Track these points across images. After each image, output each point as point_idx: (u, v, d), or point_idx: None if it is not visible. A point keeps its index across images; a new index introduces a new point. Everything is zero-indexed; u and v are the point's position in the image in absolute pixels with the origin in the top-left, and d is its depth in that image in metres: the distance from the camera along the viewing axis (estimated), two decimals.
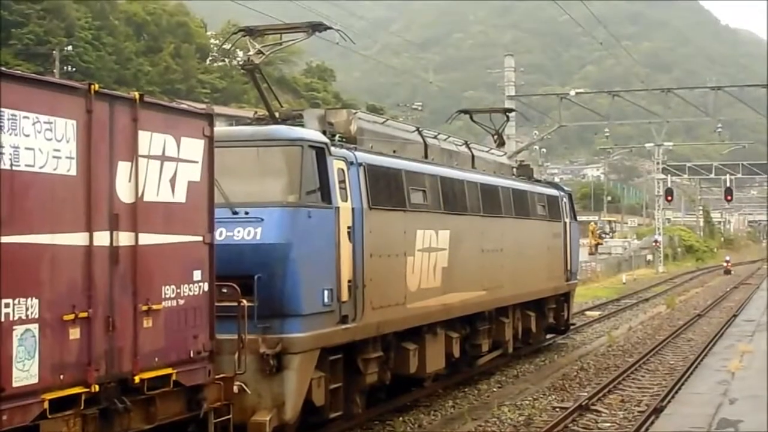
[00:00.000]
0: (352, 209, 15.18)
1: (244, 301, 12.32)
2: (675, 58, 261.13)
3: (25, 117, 8.83)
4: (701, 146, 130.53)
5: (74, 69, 73.17)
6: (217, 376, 11.50)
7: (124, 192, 10.06)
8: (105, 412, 9.75)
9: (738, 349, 24.99)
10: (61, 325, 9.13)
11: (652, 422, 16.69)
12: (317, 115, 16.50)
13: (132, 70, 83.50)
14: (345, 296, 14.80)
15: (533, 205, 24.92)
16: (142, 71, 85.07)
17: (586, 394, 20.01)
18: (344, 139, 16.11)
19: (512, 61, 51.83)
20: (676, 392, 19.52)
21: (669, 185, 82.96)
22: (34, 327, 8.81)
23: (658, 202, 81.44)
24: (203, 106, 12.34)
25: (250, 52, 15.70)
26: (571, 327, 30.17)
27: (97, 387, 9.51)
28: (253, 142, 14.30)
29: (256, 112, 17.16)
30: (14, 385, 8.61)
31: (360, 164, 15.69)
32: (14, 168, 8.69)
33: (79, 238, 9.41)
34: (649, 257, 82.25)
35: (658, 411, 17.51)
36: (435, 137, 20.48)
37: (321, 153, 14.60)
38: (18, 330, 8.65)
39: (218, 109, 13.78)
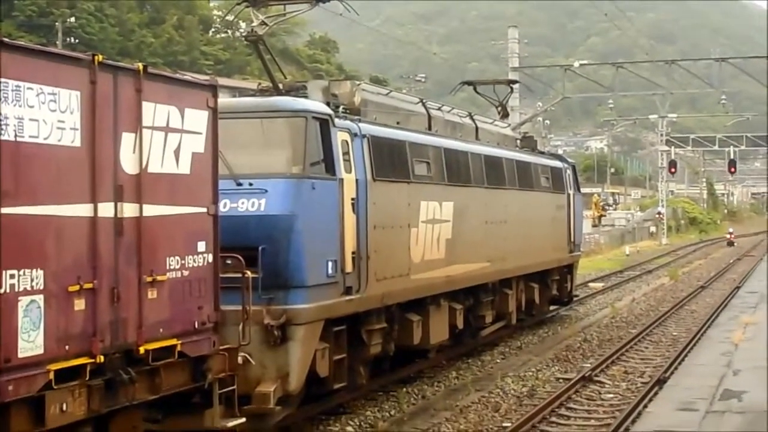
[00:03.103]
0: (356, 181, 15.17)
1: (249, 273, 12.32)
2: (679, 30, 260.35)
3: (29, 88, 8.79)
4: (705, 118, 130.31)
5: (77, 40, 73.06)
6: (221, 347, 11.50)
7: (129, 163, 10.04)
8: (110, 382, 9.75)
9: (741, 320, 25.03)
10: (66, 296, 9.13)
11: (656, 393, 16.74)
12: (321, 86, 16.47)
13: (135, 42, 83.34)
14: (349, 268, 14.82)
15: (537, 177, 24.91)
16: (145, 43, 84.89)
17: (589, 365, 20.07)
18: (348, 111, 16.08)
19: (516, 33, 51.66)
20: (680, 364, 19.57)
21: (673, 157, 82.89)
22: (39, 298, 8.81)
23: (661, 174, 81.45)
24: (206, 77, 12.30)
25: (254, 24, 15.66)
26: (575, 299, 30.23)
27: (102, 358, 9.51)
28: (257, 114, 14.29)
29: (259, 84, 17.13)
30: (20, 355, 8.61)
31: (364, 136, 15.67)
32: (18, 139, 8.67)
33: (83, 210, 9.39)
34: (653, 229, 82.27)
35: (661, 382, 17.55)
36: (439, 109, 20.45)
37: (325, 124, 14.58)
38: (23, 301, 8.65)
39: (221, 80, 13.77)
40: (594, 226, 72.66)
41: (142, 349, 10.10)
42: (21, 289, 8.63)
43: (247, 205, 13.55)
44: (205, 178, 11.29)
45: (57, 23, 69.65)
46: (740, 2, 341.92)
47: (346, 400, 16.29)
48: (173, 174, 10.72)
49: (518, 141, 26.18)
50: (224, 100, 13.27)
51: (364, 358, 16.11)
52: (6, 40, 8.76)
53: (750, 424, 13.84)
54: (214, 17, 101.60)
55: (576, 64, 53.23)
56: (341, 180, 14.72)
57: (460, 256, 19.05)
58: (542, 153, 28.09)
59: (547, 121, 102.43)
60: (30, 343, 8.72)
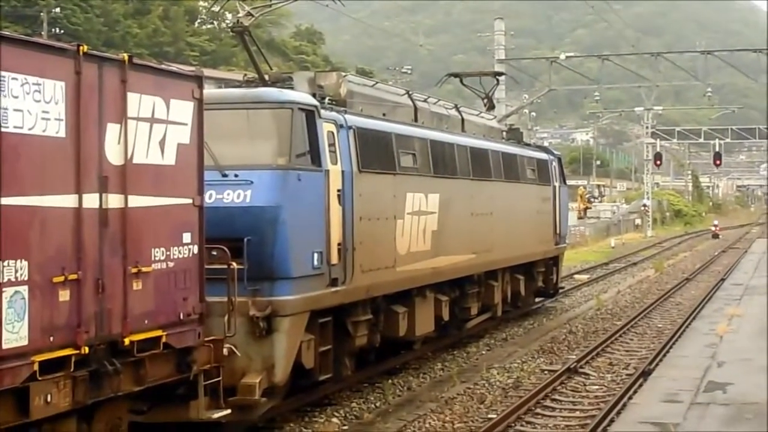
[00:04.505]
0: (342, 172, 15.16)
1: (234, 264, 12.31)
2: (665, 23, 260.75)
3: (13, 78, 8.77)
4: (690, 111, 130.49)
5: (62, 31, 72.76)
6: (206, 339, 11.50)
7: (114, 154, 10.01)
8: (95, 374, 9.74)
9: (726, 312, 25.10)
10: (50, 287, 9.11)
11: (641, 385, 16.77)
12: (307, 77, 16.45)
13: (120, 32, 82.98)
14: (335, 259, 14.81)
15: (523, 169, 24.93)
16: (130, 33, 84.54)
17: (574, 357, 20.10)
18: (334, 102, 16.06)
19: (502, 25, 51.56)
20: (665, 355, 19.61)
21: (658, 149, 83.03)
22: (24, 289, 8.79)
23: (647, 167, 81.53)
24: (192, 68, 12.29)
25: (240, 14, 15.63)
26: (560, 290, 30.29)
27: (86, 349, 9.50)
28: (242, 105, 14.26)
29: (245, 75, 17.10)
30: (3, 347, 8.59)
31: (350, 127, 15.66)
32: (3, 130, 8.64)
33: (68, 201, 9.37)
34: (638, 221, 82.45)
35: (646, 374, 17.59)
36: (425, 100, 20.44)
37: (311, 116, 14.56)
38: (7, 292, 8.63)
39: (207, 71, 13.75)
40: (579, 218, 72.71)
41: (127, 341, 10.10)
42: (5, 280, 8.61)
43: (232, 197, 13.53)
44: (191, 169, 11.27)
45: (42, 13, 69.38)
46: None
47: (332, 392, 16.29)
48: (158, 165, 10.70)
49: (504, 133, 26.18)
50: (210, 91, 13.24)
51: (349, 349, 16.11)
52: None
53: (734, 415, 13.88)
54: (200, 8, 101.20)
55: (562, 56, 53.24)
56: (327, 171, 14.71)
57: (446, 247, 19.05)
58: (528, 145, 28.10)
59: (533, 113, 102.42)
60: (14, 334, 8.69)
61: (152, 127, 10.60)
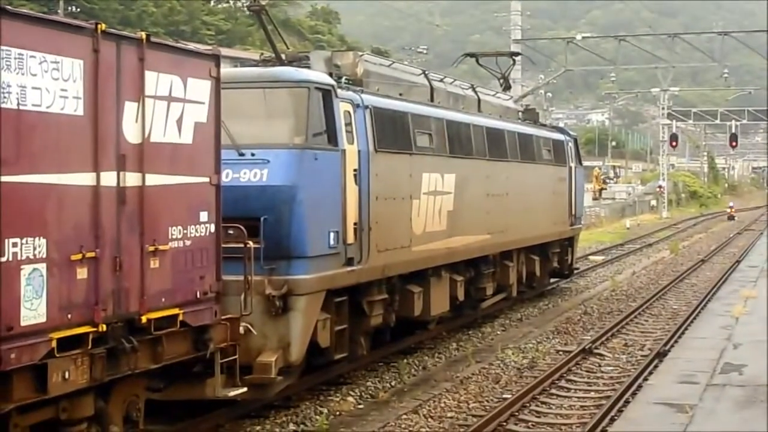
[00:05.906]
0: (359, 152, 15.16)
1: (251, 243, 12.34)
2: (681, 4, 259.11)
3: (31, 56, 8.77)
4: (707, 92, 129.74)
5: (78, 9, 72.75)
6: (223, 317, 11.52)
7: (131, 132, 10.03)
8: (112, 351, 9.78)
9: (741, 294, 25.04)
10: (68, 264, 9.13)
11: (656, 366, 16.77)
12: (323, 57, 16.43)
13: (136, 11, 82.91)
14: (351, 239, 14.82)
15: (539, 150, 24.88)
16: (146, 12, 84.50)
17: (589, 337, 20.11)
18: (350, 82, 16.05)
19: (519, 5, 51.44)
20: (680, 337, 19.60)
21: (674, 131, 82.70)
22: (42, 266, 8.82)
23: (662, 148, 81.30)
24: (208, 47, 12.29)
25: None
26: (575, 271, 30.24)
27: (104, 327, 9.53)
28: (259, 84, 14.26)
29: (262, 54, 17.10)
30: (22, 324, 8.62)
31: (366, 107, 15.65)
32: (21, 108, 8.65)
33: (86, 179, 9.38)
34: (653, 203, 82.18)
35: (661, 355, 17.59)
36: (441, 80, 20.41)
37: (327, 95, 14.55)
38: (26, 269, 8.65)
39: (223, 50, 13.64)
40: (595, 199, 72.64)
41: (144, 319, 10.13)
42: (23, 257, 8.63)
43: (249, 176, 13.54)
44: (208, 147, 11.28)
45: None
46: None
47: (347, 371, 16.34)
48: (176, 144, 10.71)
49: (520, 113, 26.13)
50: (227, 69, 13.24)
51: (365, 329, 16.14)
52: (9, 8, 8.73)
53: (750, 397, 13.87)
54: None
55: (579, 36, 53.11)
56: (343, 151, 14.71)
57: (462, 228, 19.05)
58: (544, 125, 28.06)
59: (549, 94, 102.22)
60: (32, 311, 8.73)
61: (169, 106, 10.61)
